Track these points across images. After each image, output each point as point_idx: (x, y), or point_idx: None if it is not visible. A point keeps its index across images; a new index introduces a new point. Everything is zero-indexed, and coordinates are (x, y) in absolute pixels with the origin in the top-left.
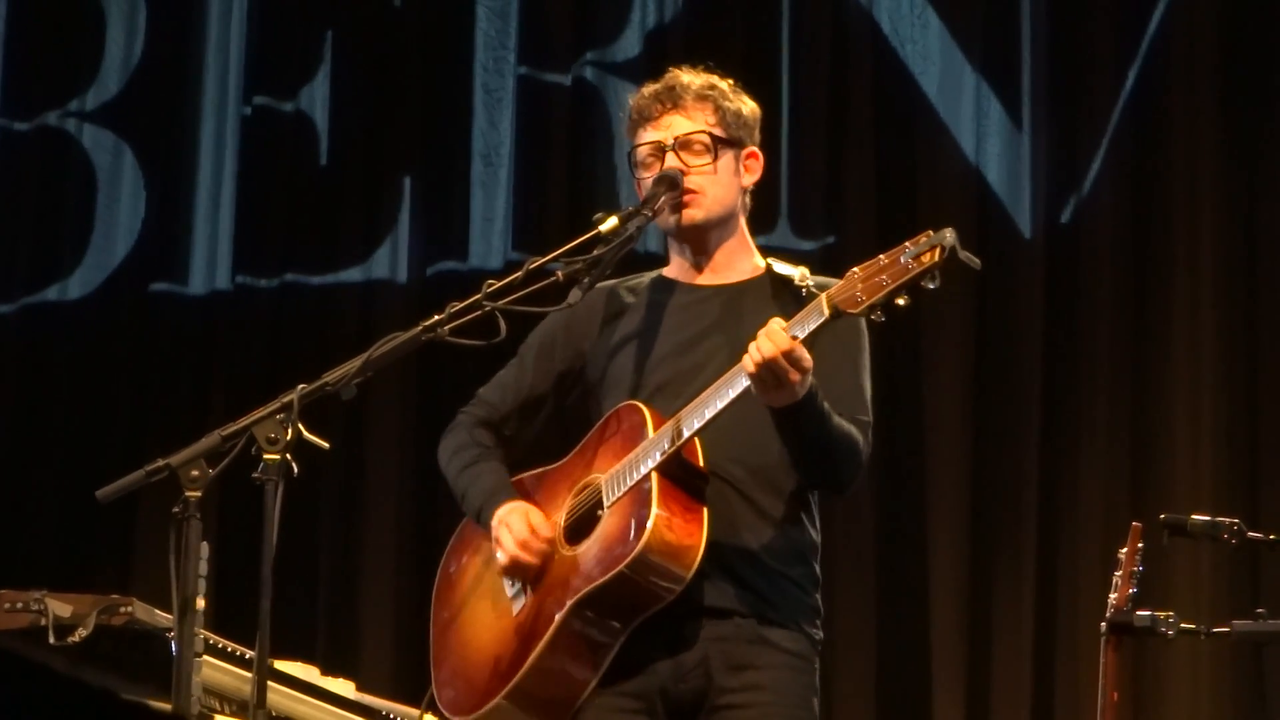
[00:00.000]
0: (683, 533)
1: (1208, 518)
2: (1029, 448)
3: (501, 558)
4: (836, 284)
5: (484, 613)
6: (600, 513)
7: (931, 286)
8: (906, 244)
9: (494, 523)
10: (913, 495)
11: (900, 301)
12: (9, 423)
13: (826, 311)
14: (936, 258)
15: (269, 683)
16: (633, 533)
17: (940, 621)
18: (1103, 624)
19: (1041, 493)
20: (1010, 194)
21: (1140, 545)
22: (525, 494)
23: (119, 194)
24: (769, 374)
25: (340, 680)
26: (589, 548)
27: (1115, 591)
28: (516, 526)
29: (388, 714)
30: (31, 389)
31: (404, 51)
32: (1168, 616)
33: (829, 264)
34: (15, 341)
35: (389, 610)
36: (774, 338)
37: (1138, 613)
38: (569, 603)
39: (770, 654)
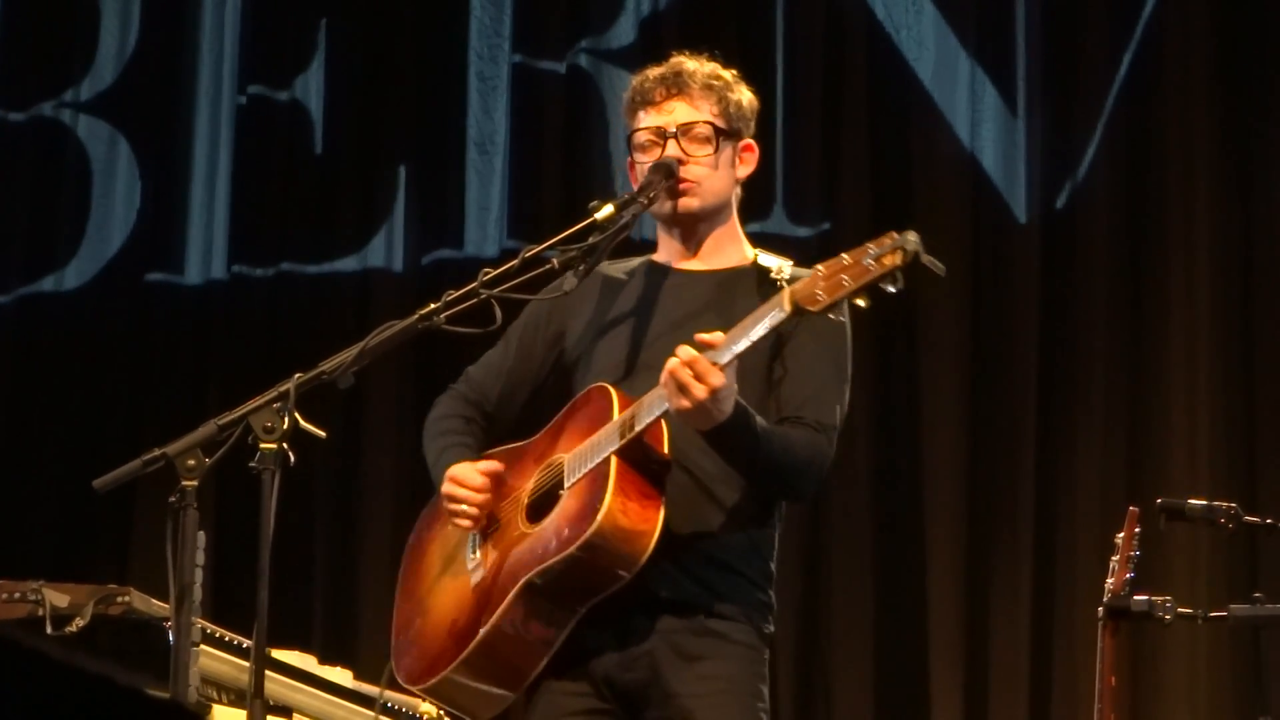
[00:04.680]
0: (638, 518)
1: (1205, 502)
2: (1026, 433)
3: (458, 519)
4: (802, 280)
5: (444, 584)
6: (560, 492)
7: (892, 290)
8: (869, 244)
9: (443, 487)
10: (909, 481)
11: (861, 303)
12: (5, 414)
13: (787, 308)
14: (899, 260)
15: (266, 671)
16: (587, 515)
17: (938, 606)
18: (1100, 609)
19: (1038, 478)
20: (1005, 180)
21: (1137, 530)
22: None
23: (114, 184)
24: (673, 384)
25: (338, 669)
26: (545, 527)
27: (1112, 576)
28: (463, 475)
29: (385, 702)
30: (27, 380)
31: (399, 40)
32: (1165, 601)
33: (825, 251)
34: (11, 332)
35: (386, 598)
36: (680, 352)
37: (1135, 597)
38: (522, 579)
39: (720, 645)
